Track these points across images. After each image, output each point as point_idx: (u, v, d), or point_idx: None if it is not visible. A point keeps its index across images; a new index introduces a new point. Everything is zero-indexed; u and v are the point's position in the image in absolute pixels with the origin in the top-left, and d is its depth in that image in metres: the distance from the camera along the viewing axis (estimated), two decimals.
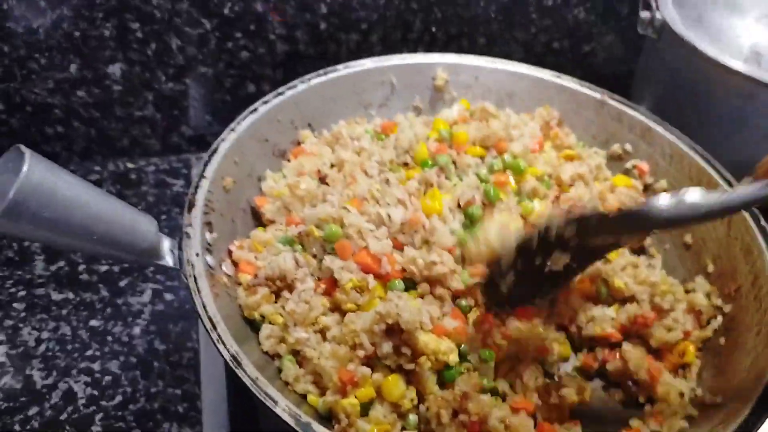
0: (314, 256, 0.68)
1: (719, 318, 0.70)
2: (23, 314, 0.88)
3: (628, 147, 0.89)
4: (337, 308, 0.64)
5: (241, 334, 0.62)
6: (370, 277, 0.63)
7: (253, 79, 1.13)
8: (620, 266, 0.76)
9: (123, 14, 0.99)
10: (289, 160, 0.85)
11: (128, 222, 0.57)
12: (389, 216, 0.70)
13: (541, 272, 0.60)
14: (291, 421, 0.50)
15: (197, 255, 0.62)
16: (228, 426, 0.72)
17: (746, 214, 0.73)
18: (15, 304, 0.89)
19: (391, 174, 0.79)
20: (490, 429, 0.56)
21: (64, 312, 0.89)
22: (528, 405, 0.60)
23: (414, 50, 1.18)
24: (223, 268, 0.68)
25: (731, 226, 0.75)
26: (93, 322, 0.88)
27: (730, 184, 0.77)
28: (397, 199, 0.73)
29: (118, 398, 0.80)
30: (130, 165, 1.15)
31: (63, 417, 0.77)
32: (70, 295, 0.91)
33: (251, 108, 0.82)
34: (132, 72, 1.05)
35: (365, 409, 0.57)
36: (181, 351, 0.86)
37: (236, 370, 0.53)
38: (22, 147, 0.50)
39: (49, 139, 1.09)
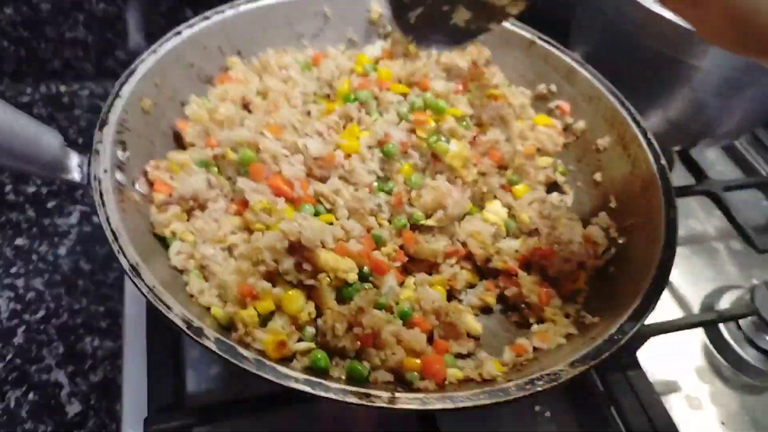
0: (228, 179, 0.69)
1: (612, 249, 0.74)
2: None
3: (553, 87, 0.91)
4: (246, 228, 0.67)
5: (149, 249, 0.64)
6: (281, 201, 0.65)
7: (190, 3, 1.11)
8: (528, 201, 0.80)
9: None
10: (215, 86, 0.85)
11: (31, 133, 0.57)
12: (306, 146, 0.71)
13: (447, 20, 0.65)
14: (183, 326, 0.52)
15: (105, 171, 0.63)
16: (146, 337, 0.75)
17: (648, 153, 0.77)
18: None
19: (313, 105, 0.80)
20: (382, 342, 0.60)
21: None
22: (423, 324, 0.64)
23: None
24: (137, 186, 0.69)
25: (635, 164, 0.78)
26: (19, 241, 0.89)
27: (639, 125, 0.80)
28: (315, 131, 0.74)
29: (41, 313, 0.82)
30: (63, 88, 1.13)
31: None
32: None
33: (175, 30, 0.81)
34: None
35: (264, 322, 0.60)
36: (107, 271, 0.88)
37: (133, 279, 0.55)
38: None
39: None
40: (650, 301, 0.61)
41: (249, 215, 0.66)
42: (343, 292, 0.62)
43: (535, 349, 0.64)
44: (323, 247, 0.61)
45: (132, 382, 0.74)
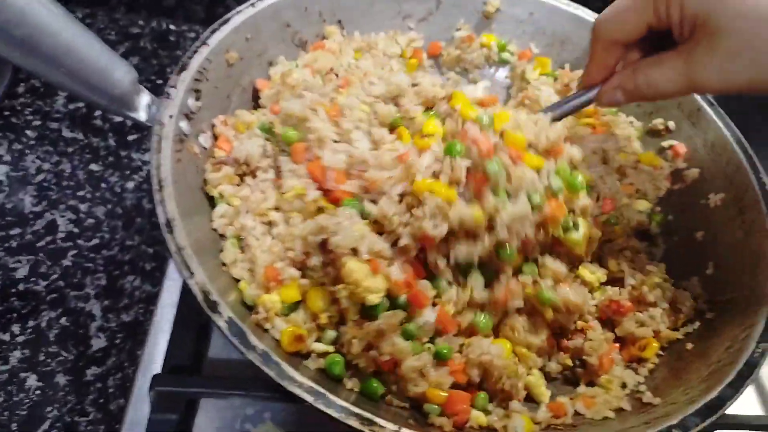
0: (282, 150, 0.65)
1: (696, 323, 0.64)
2: (32, 142, 0.91)
3: (671, 125, 0.80)
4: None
5: (196, 206, 0.62)
6: (312, 188, 0.60)
7: None
8: (618, 247, 0.71)
9: None
10: (308, 53, 0.82)
11: (102, 63, 0.56)
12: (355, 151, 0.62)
13: None
14: (199, 296, 0.49)
15: (171, 117, 0.61)
16: (181, 290, 0.74)
17: None
18: (28, 131, 0.93)
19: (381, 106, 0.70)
20: (402, 373, 0.54)
21: (69, 150, 0.92)
22: (460, 375, 0.56)
23: None
24: (201, 139, 0.66)
25: (749, 233, 0.67)
26: (93, 166, 0.91)
27: (764, 187, 0.69)
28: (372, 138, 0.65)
29: (95, 241, 0.83)
30: (172, 27, 1.14)
31: (40, 244, 0.81)
32: (80, 136, 0.94)
33: None
34: None
35: (288, 311, 0.56)
36: None
37: (165, 234, 0.52)
38: None
39: None
40: (727, 398, 0.52)
41: (281, 199, 0.61)
42: (369, 309, 0.55)
43: (576, 413, 0.56)
44: (355, 255, 0.55)
45: (159, 332, 0.74)
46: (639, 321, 0.64)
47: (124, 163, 0.92)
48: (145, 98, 0.62)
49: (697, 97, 0.78)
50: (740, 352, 0.56)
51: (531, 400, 0.59)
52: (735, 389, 0.52)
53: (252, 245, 0.58)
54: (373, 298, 0.53)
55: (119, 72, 0.58)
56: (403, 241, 0.56)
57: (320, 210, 0.58)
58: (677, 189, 0.77)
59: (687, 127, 0.79)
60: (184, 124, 0.63)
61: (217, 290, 0.52)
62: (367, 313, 0.55)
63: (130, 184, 0.90)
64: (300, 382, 0.46)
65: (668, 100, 0.80)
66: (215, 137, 0.68)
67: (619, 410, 0.56)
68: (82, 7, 1.12)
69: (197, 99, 0.66)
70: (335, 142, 0.62)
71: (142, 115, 0.61)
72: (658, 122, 0.81)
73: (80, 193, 0.87)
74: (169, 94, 0.63)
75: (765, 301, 0.60)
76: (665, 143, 0.80)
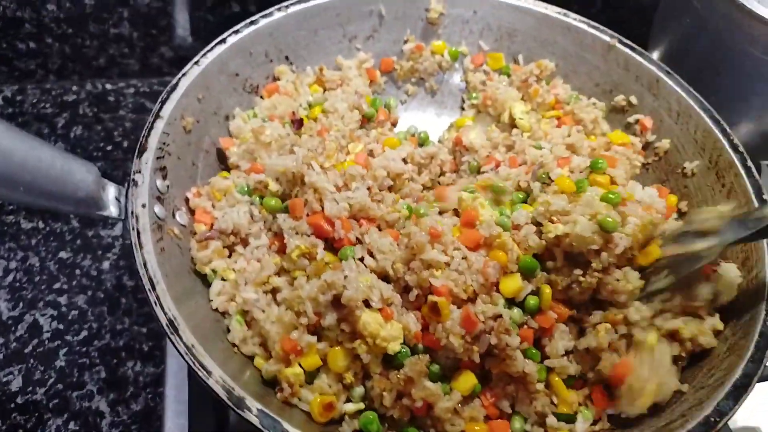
0: (271, 212, 0.63)
1: None
2: None
3: (633, 99, 0.81)
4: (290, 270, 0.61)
5: (189, 289, 0.60)
6: (320, 246, 0.59)
7: None
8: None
9: None
10: (262, 97, 0.80)
11: (59, 170, 0.53)
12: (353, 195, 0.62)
13: None
14: (224, 396, 0.48)
15: (143, 206, 0.58)
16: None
17: (748, 185, 0.67)
18: None
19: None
20: (437, 415, 0.53)
21: (32, 242, 0.87)
22: (492, 408, 0.56)
23: None
24: (177, 217, 0.64)
25: (730, 196, 0.69)
26: (62, 254, 0.87)
27: (737, 150, 0.70)
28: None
29: (84, 334, 0.80)
30: (108, 86, 1.09)
31: (27, 350, 0.77)
32: (40, 224, 0.89)
33: (219, 38, 0.75)
34: None
35: (311, 377, 0.55)
36: None
37: (171, 337, 0.50)
38: None
39: (22, 56, 1.03)
40: (752, 374, 0.53)
41: (287, 263, 0.60)
42: (390, 358, 0.55)
43: (610, 417, 0.57)
44: (368, 306, 0.54)
45: (174, 414, 0.71)
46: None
47: (93, 243, 0.88)
48: (111, 192, 0.59)
49: (654, 68, 0.79)
50: (753, 322, 0.57)
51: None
52: (757, 363, 0.53)
53: (259, 319, 0.57)
54: (394, 346, 0.53)
55: (79, 174, 0.55)
56: (413, 294, 0.55)
57: (326, 265, 0.57)
58: (651, 163, 0.79)
59: (650, 100, 0.80)
60: (158, 209, 0.60)
61: (234, 376, 0.50)
62: (390, 362, 0.55)
63: (105, 264, 0.86)
64: None
65: (623, 74, 0.81)
66: (191, 211, 0.66)
67: (652, 405, 0.57)
68: (10, 85, 1.06)
69: (164, 177, 0.64)
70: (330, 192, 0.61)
71: (113, 211, 0.58)
72: (619, 99, 0.82)
73: (56, 286, 0.83)
74: (136, 181, 0.60)
75: (762, 263, 0.61)
76: (631, 119, 0.81)
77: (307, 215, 0.60)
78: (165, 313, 0.52)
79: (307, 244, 0.58)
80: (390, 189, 0.69)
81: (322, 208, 0.60)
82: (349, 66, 0.85)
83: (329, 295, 0.53)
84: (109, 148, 1.00)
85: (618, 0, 1.15)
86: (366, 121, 0.78)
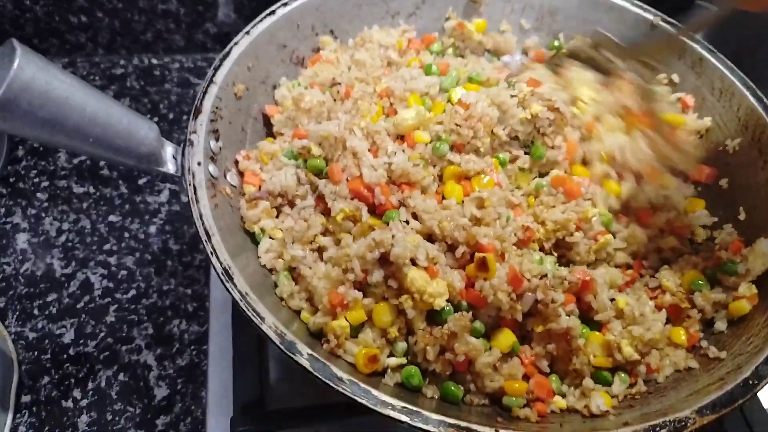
0: (316, 174, 0.66)
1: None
2: (45, 204, 0.91)
3: (675, 78, 0.81)
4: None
5: (239, 245, 0.62)
6: (364, 209, 0.61)
7: None
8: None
9: None
10: (307, 68, 0.82)
11: (126, 126, 0.56)
12: (390, 160, 0.64)
13: None
14: (276, 339, 0.50)
15: (199, 164, 0.61)
16: (231, 324, 0.74)
17: None
18: (38, 194, 0.92)
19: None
20: (478, 370, 0.55)
21: (84, 205, 0.91)
22: (530, 367, 0.57)
23: None
24: (228, 177, 0.66)
25: None
26: (112, 218, 0.90)
27: None
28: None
29: (132, 292, 0.83)
30: (154, 61, 1.13)
31: (80, 306, 0.81)
32: (91, 189, 0.93)
33: (269, 10, 0.77)
34: None
35: (356, 331, 0.57)
36: (194, 252, 0.88)
37: (226, 284, 0.53)
38: (15, 42, 0.49)
39: (73, 29, 1.07)
40: None
41: (332, 224, 0.62)
42: (434, 314, 0.57)
43: (646, 381, 0.58)
44: (414, 264, 0.56)
45: (217, 369, 0.74)
46: None
47: (141, 208, 0.92)
48: (169, 150, 0.62)
49: (697, 47, 0.79)
50: None
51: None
52: None
53: (306, 275, 0.59)
54: (440, 302, 0.55)
55: (143, 130, 0.57)
56: (459, 251, 0.57)
57: (370, 228, 0.59)
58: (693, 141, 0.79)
59: (692, 78, 0.80)
60: (212, 168, 0.63)
61: (286, 325, 0.53)
62: (434, 318, 0.57)
63: (152, 229, 0.90)
64: (393, 404, 0.48)
65: (668, 54, 0.81)
66: (241, 174, 0.68)
67: (689, 369, 0.58)
68: (60, 57, 1.10)
69: (217, 140, 0.66)
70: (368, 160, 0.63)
71: (170, 168, 0.61)
72: (662, 77, 0.82)
73: (106, 247, 0.87)
74: (192, 141, 0.62)
75: None
76: (672, 97, 0.81)
77: (348, 180, 0.62)
78: (221, 263, 0.54)
79: (351, 208, 0.60)
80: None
81: (360, 175, 0.62)
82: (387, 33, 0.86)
83: (377, 252, 0.55)
84: (155, 119, 1.03)
85: None
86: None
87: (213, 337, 0.77)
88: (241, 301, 0.52)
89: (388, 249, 0.54)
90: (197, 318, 0.81)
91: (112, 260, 0.86)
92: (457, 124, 0.68)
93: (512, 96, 0.70)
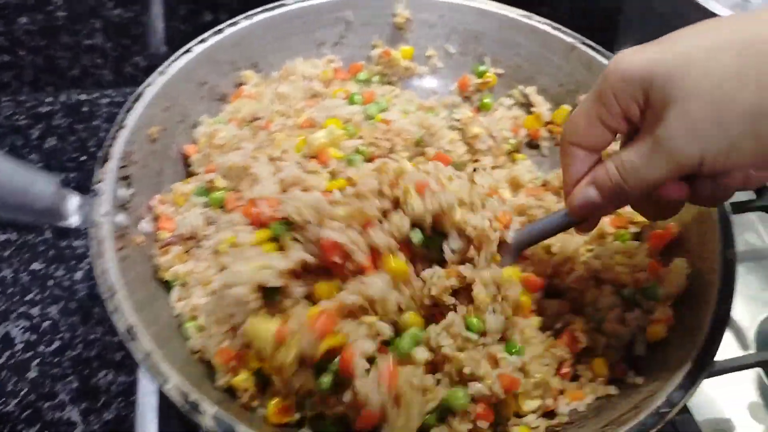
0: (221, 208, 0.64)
1: None
2: None
3: None
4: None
5: (151, 295, 0.60)
6: (247, 231, 0.57)
7: (209, 7, 1.05)
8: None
9: None
10: (229, 104, 0.80)
11: (20, 183, 0.53)
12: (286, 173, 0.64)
13: None
14: (179, 402, 0.48)
15: (104, 215, 0.59)
16: None
17: None
18: None
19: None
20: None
21: (6, 253, 0.88)
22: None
23: None
24: (142, 225, 0.64)
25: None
26: (35, 265, 0.87)
27: None
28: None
29: (56, 344, 0.80)
30: (83, 96, 1.10)
31: (0, 362, 0.78)
32: (13, 236, 0.90)
33: (185, 48, 0.76)
34: None
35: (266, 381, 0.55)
36: None
37: (127, 344, 0.51)
38: None
39: None
40: (702, 366, 0.54)
41: (219, 255, 0.60)
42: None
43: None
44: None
45: (145, 421, 0.72)
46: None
47: (66, 254, 0.88)
48: (74, 201, 0.59)
49: None
50: (704, 314, 0.58)
51: None
52: (708, 354, 0.54)
53: (205, 325, 0.57)
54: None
55: (39, 185, 0.55)
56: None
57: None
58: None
59: None
60: (121, 217, 0.61)
61: (195, 383, 0.51)
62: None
63: (79, 275, 0.86)
64: None
65: (585, 73, 0.82)
66: (156, 218, 0.66)
67: (609, 397, 0.58)
68: None
69: (128, 186, 0.64)
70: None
71: (74, 220, 0.59)
72: (583, 97, 0.83)
73: (28, 297, 0.84)
74: (97, 190, 0.60)
75: (713, 256, 0.62)
76: None
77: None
78: (125, 321, 0.52)
79: (233, 233, 0.57)
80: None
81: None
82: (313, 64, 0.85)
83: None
84: (83, 158, 1.00)
85: (585, 5, 1.17)
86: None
87: (141, 387, 0.74)
88: (143, 361, 0.50)
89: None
90: (125, 367, 0.78)
91: (35, 311, 0.82)
92: (376, 137, 0.68)
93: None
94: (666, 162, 0.43)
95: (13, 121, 1.04)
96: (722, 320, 0.57)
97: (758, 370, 0.79)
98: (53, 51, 1.04)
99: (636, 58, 0.44)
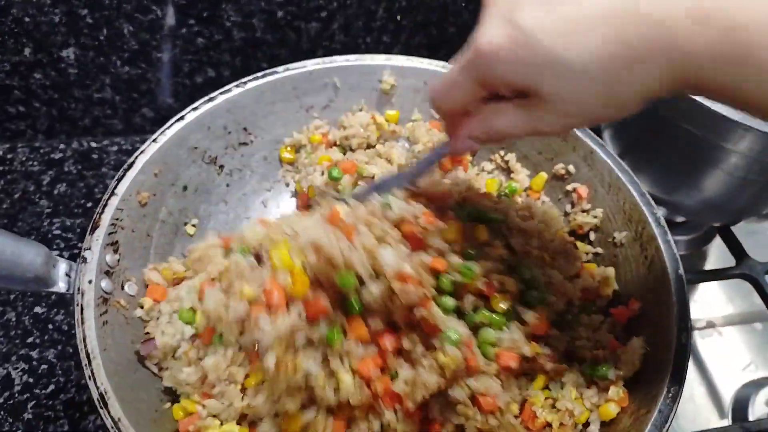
0: None
1: None
2: None
3: (571, 168, 0.85)
4: None
5: (132, 358, 0.65)
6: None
7: (211, 64, 1.11)
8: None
9: (71, 0, 0.97)
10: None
11: (9, 255, 0.58)
12: None
13: None
14: None
15: (90, 282, 0.64)
16: None
17: (666, 258, 0.70)
18: None
19: None
20: None
21: (11, 297, 0.93)
22: None
23: (378, 39, 1.14)
24: (126, 287, 0.69)
25: (650, 269, 0.72)
26: (37, 309, 0.93)
27: (659, 224, 0.74)
28: None
29: (51, 387, 0.85)
30: (93, 144, 1.16)
31: None
32: None
33: (178, 116, 0.81)
34: (86, 56, 1.05)
35: None
36: None
37: (100, 411, 0.55)
38: None
39: (12, 118, 1.11)
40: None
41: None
42: None
43: None
44: None
45: None
46: None
47: (67, 298, 0.94)
48: (62, 268, 0.64)
49: (589, 141, 0.83)
50: (654, 398, 0.60)
51: None
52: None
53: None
54: None
55: (29, 256, 0.60)
56: None
57: None
58: (587, 231, 0.83)
59: (585, 170, 0.84)
60: (105, 283, 0.66)
61: None
62: None
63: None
64: None
65: (562, 144, 0.85)
66: (145, 284, 0.71)
67: None
68: (1, 144, 1.14)
69: (115, 252, 0.69)
70: None
71: (61, 287, 0.64)
72: (559, 167, 0.86)
73: (29, 340, 0.89)
74: (85, 258, 0.65)
75: (669, 337, 0.64)
76: (569, 186, 0.85)
77: None
78: (97, 388, 0.57)
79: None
80: None
81: None
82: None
83: None
84: (89, 204, 1.06)
85: None
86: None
87: None
88: (112, 428, 0.55)
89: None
90: None
91: (34, 354, 0.88)
92: None
93: None
94: (531, 131, 0.52)
95: (27, 167, 1.11)
96: (673, 399, 0.59)
97: None
98: (66, 103, 1.11)
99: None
